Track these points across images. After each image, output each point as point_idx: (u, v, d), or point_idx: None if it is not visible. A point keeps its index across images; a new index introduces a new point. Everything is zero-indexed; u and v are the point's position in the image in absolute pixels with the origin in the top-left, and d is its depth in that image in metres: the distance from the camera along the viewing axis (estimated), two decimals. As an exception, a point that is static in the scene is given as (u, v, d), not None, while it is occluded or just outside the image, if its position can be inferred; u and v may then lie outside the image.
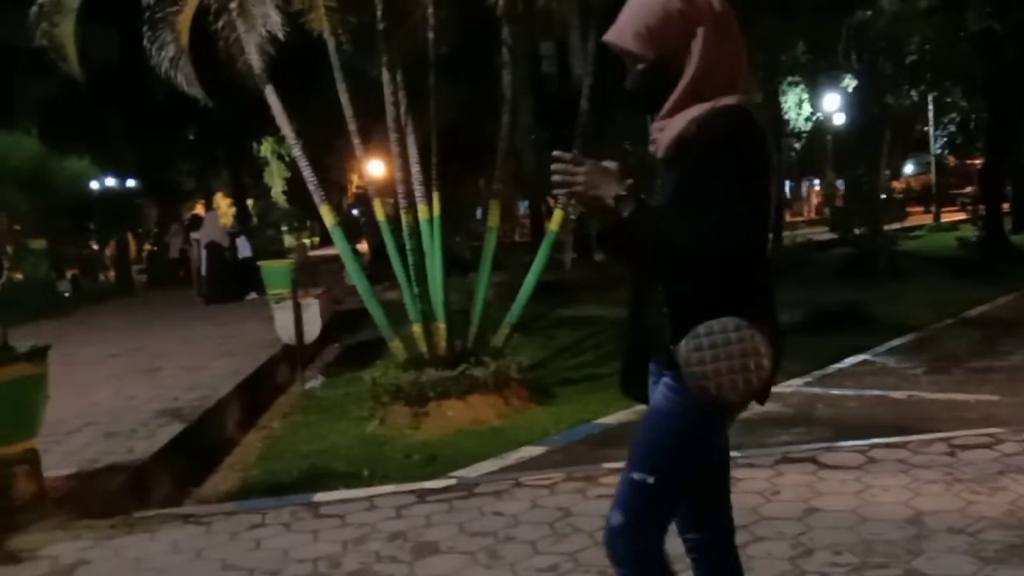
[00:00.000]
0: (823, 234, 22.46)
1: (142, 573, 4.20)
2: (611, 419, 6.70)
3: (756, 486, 4.63)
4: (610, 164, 2.22)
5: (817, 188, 44.17)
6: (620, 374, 2.51)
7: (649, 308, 2.31)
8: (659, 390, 2.32)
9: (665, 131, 2.28)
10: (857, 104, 20.64)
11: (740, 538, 3.90)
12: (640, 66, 2.28)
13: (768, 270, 2.28)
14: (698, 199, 2.12)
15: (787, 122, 26.33)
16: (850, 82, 22.15)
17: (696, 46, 2.21)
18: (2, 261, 5.77)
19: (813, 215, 40.36)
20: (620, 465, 5.12)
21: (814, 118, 28.77)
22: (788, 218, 25.19)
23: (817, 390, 7.28)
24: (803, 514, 4.20)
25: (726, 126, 2.15)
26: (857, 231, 17.26)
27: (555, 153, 2.22)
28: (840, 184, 29.69)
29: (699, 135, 2.17)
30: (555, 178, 2.19)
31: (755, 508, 4.32)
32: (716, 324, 2.16)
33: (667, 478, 2.29)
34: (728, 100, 2.20)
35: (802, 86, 26.00)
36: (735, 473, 4.78)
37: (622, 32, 2.27)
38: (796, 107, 27.70)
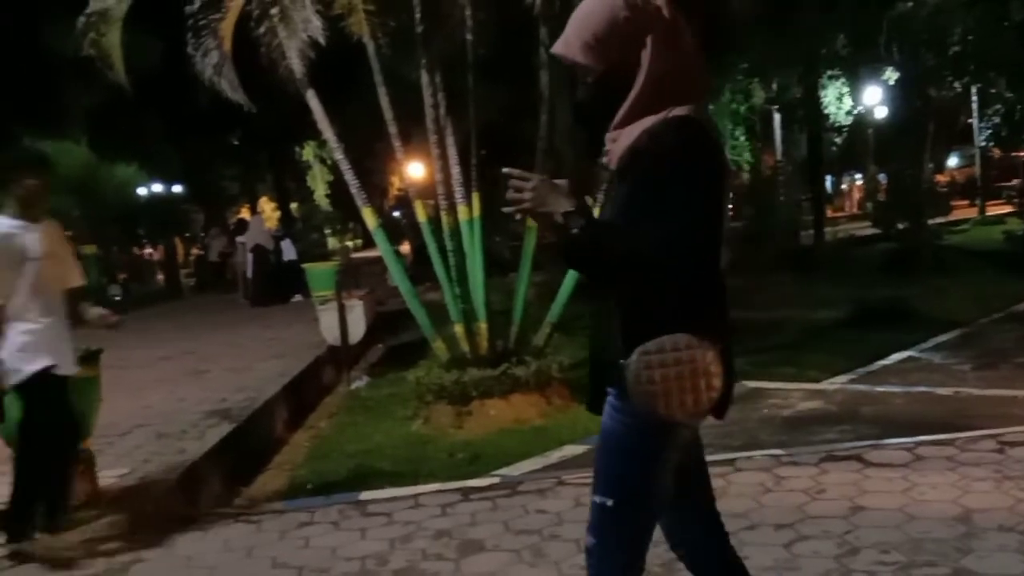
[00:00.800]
0: (865, 229, 22.18)
1: (194, 571, 4.28)
2: (653, 418, 6.69)
3: (801, 484, 4.61)
4: (560, 181, 2.19)
5: (859, 183, 43.60)
6: (588, 391, 2.40)
7: (603, 322, 2.28)
8: (606, 409, 2.27)
9: (617, 142, 2.23)
10: (899, 97, 20.39)
11: (785, 536, 3.93)
12: (590, 78, 2.24)
13: (721, 283, 2.23)
14: (650, 211, 2.08)
15: (827, 116, 26.00)
16: (891, 75, 21.86)
17: (645, 56, 2.16)
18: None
19: (855, 210, 39.86)
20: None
21: (855, 112, 28.39)
22: (829, 214, 24.89)
23: (862, 387, 7.21)
24: (849, 512, 4.17)
25: (676, 137, 2.11)
26: (900, 226, 17.02)
27: (505, 170, 2.19)
28: (882, 178, 29.30)
29: (650, 146, 2.13)
30: (508, 194, 2.17)
31: (800, 507, 4.31)
32: (668, 341, 2.11)
33: (626, 499, 2.25)
34: (679, 111, 2.15)
35: (842, 79, 25.67)
36: (779, 471, 4.81)
37: (570, 43, 2.22)
38: (836, 101, 27.35)
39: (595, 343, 2.35)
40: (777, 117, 26.61)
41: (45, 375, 4.38)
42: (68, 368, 4.53)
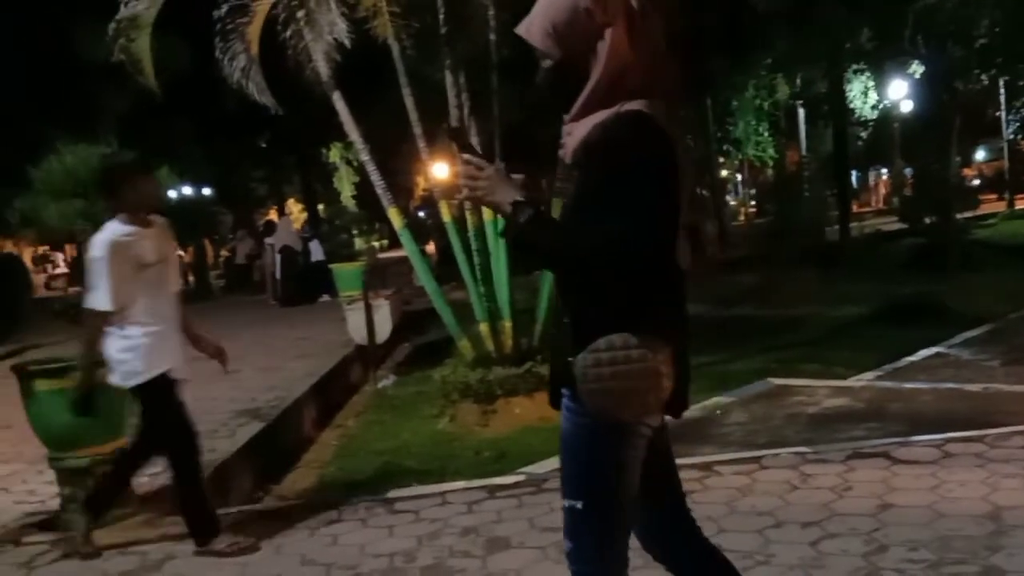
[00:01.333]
0: (892, 224, 22.03)
1: (224, 568, 4.33)
2: (675, 415, 6.69)
3: (827, 482, 4.60)
4: (516, 175, 2.18)
5: (885, 177, 43.24)
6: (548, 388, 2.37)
7: (558, 319, 2.26)
8: (562, 411, 2.25)
9: (572, 135, 2.21)
10: (925, 90, 20.22)
11: (812, 534, 3.93)
12: (547, 63, 2.21)
13: (678, 282, 2.20)
14: (601, 206, 2.05)
15: (853, 111, 25.82)
16: (917, 68, 21.68)
17: (603, 48, 2.13)
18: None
19: (881, 205, 39.54)
20: (690, 460, 5.17)
21: (881, 106, 28.20)
22: (856, 209, 24.71)
23: (889, 384, 7.17)
24: (877, 510, 4.16)
25: (628, 132, 2.08)
26: (927, 220, 16.90)
27: (464, 156, 2.18)
28: (909, 173, 29.07)
29: (601, 141, 2.11)
30: (460, 180, 2.17)
31: (827, 504, 4.30)
32: (618, 339, 2.08)
33: (593, 501, 2.22)
34: (633, 105, 2.11)
35: (868, 74, 25.50)
36: (805, 469, 4.81)
37: (531, 27, 2.20)
38: (862, 95, 27.18)
39: (552, 340, 2.36)
40: (801, 112, 26.49)
41: (163, 379, 4.40)
42: (182, 372, 4.56)
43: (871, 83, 26.96)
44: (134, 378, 4.36)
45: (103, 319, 4.31)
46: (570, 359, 2.13)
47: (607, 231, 2.01)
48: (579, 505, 2.22)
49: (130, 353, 4.34)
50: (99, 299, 4.27)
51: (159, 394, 4.40)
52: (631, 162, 2.06)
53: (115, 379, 4.42)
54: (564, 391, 2.22)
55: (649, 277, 2.08)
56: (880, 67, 24.12)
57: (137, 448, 4.63)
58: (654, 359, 2.08)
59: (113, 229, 4.35)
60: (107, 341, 4.38)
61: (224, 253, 29.88)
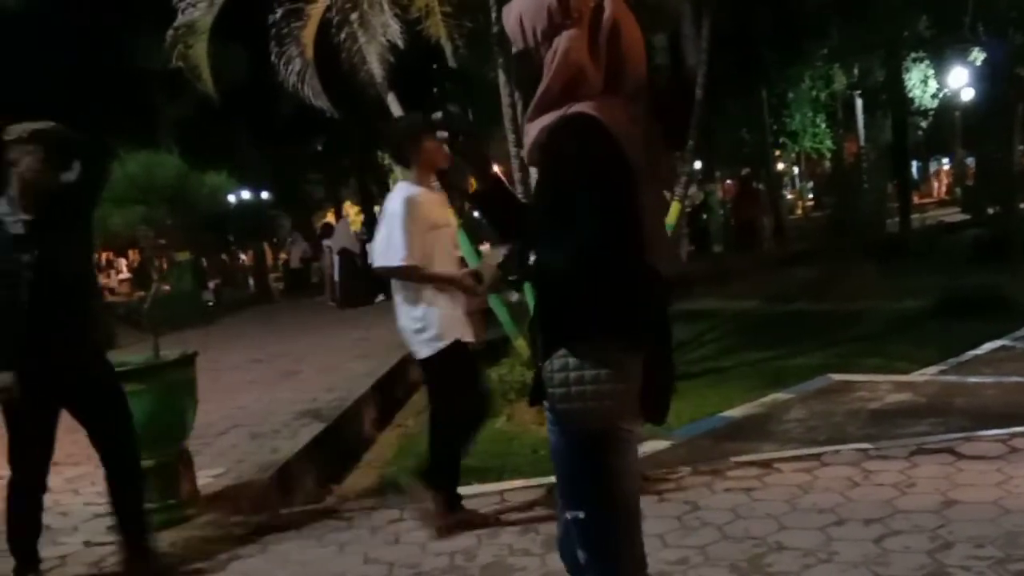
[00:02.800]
0: (954, 215, 21.59)
1: (289, 567, 4.40)
2: (735, 412, 6.64)
3: (890, 479, 4.54)
4: (484, 267, 2.33)
5: (947, 168, 42.34)
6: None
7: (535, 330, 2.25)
8: (547, 424, 2.25)
9: (527, 136, 2.20)
10: (986, 78, 19.77)
11: (875, 532, 3.89)
12: (515, 49, 2.22)
13: (652, 287, 2.16)
14: (557, 215, 2.04)
15: (912, 100, 25.31)
16: (978, 55, 21.20)
17: (559, 48, 2.12)
18: (151, 274, 6.10)
19: (943, 196, 38.73)
20: (746, 458, 5.13)
21: (940, 95, 27.59)
22: (916, 200, 24.23)
23: (952, 378, 7.03)
24: (941, 507, 4.10)
25: (571, 137, 2.07)
26: (990, 211, 16.52)
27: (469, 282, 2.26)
28: (971, 162, 28.43)
29: (548, 145, 2.10)
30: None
31: (890, 501, 4.24)
32: (588, 351, 2.08)
33: (594, 509, 2.20)
34: (580, 107, 2.09)
35: (927, 62, 24.97)
36: (867, 465, 4.75)
37: (508, 12, 2.21)
38: (921, 84, 26.60)
39: (533, 348, 2.35)
40: (859, 103, 26.01)
41: (458, 345, 4.42)
42: (469, 335, 4.53)
43: (930, 71, 26.36)
44: (433, 344, 4.37)
45: (404, 272, 4.33)
46: (543, 369, 2.15)
47: (567, 249, 2.02)
48: (581, 515, 2.20)
49: (424, 322, 4.37)
50: (395, 254, 4.28)
51: (455, 360, 4.40)
52: (575, 167, 2.05)
53: (416, 350, 4.46)
54: (545, 403, 2.21)
55: (617, 285, 2.06)
56: (940, 55, 23.59)
57: (442, 416, 4.59)
58: (619, 367, 2.07)
59: (406, 188, 4.40)
60: (401, 312, 4.45)
61: (283, 256, 30.27)
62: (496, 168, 2.32)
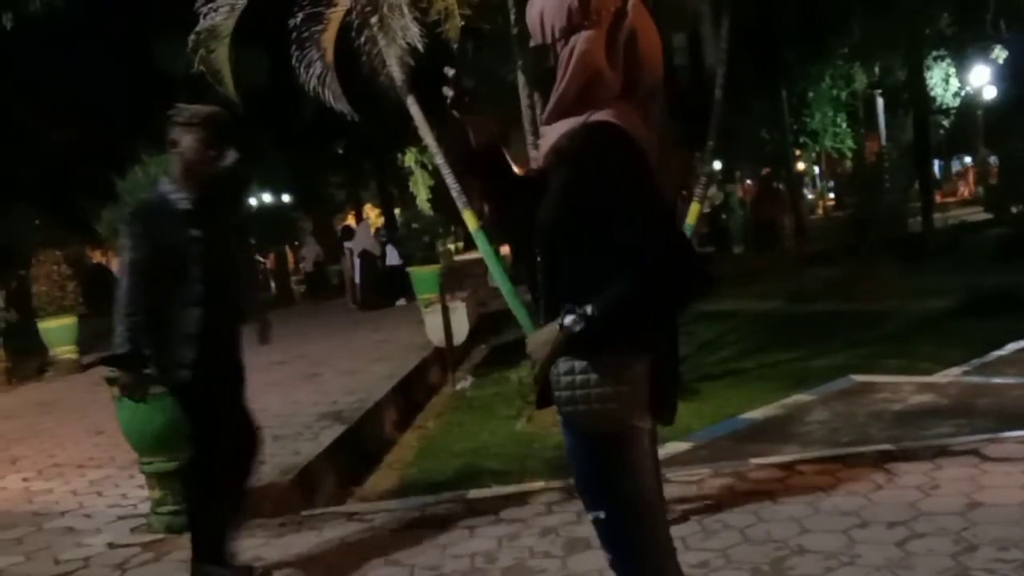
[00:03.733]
0: (977, 214, 21.40)
1: (311, 569, 4.43)
2: (756, 414, 6.60)
3: (914, 480, 4.51)
4: (537, 336, 2.15)
5: (970, 166, 41.99)
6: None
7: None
8: (561, 426, 2.24)
9: (545, 138, 2.18)
10: (1009, 76, 19.63)
11: (898, 534, 3.87)
12: (532, 43, 2.20)
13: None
14: (599, 229, 2.03)
15: (933, 98, 25.13)
16: (1000, 53, 21.03)
17: (576, 50, 2.11)
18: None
19: (966, 195, 38.41)
20: (768, 461, 5.10)
21: (963, 93, 27.40)
22: (939, 199, 24.04)
23: (976, 379, 6.97)
24: (965, 509, 4.07)
25: (598, 149, 2.05)
26: (1014, 210, 16.34)
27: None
28: (994, 161, 28.19)
29: (569, 153, 2.09)
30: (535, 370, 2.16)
31: (913, 503, 4.22)
32: (592, 355, 2.07)
33: (614, 509, 2.19)
34: (600, 115, 2.08)
35: (948, 60, 24.80)
36: (891, 467, 4.72)
37: (531, 5, 2.19)
38: (943, 82, 26.42)
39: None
40: (880, 101, 25.87)
41: None
42: None
43: (952, 69, 26.20)
44: None
45: None
46: (552, 374, 2.14)
47: (636, 266, 1.99)
48: (602, 515, 2.19)
49: None
50: None
51: None
52: (608, 180, 2.02)
53: None
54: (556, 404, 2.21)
55: (669, 293, 2.05)
56: (961, 53, 23.46)
57: None
58: (625, 369, 2.06)
59: None
60: None
61: (301, 259, 30.40)
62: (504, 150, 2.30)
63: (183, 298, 4.00)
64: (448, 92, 2.24)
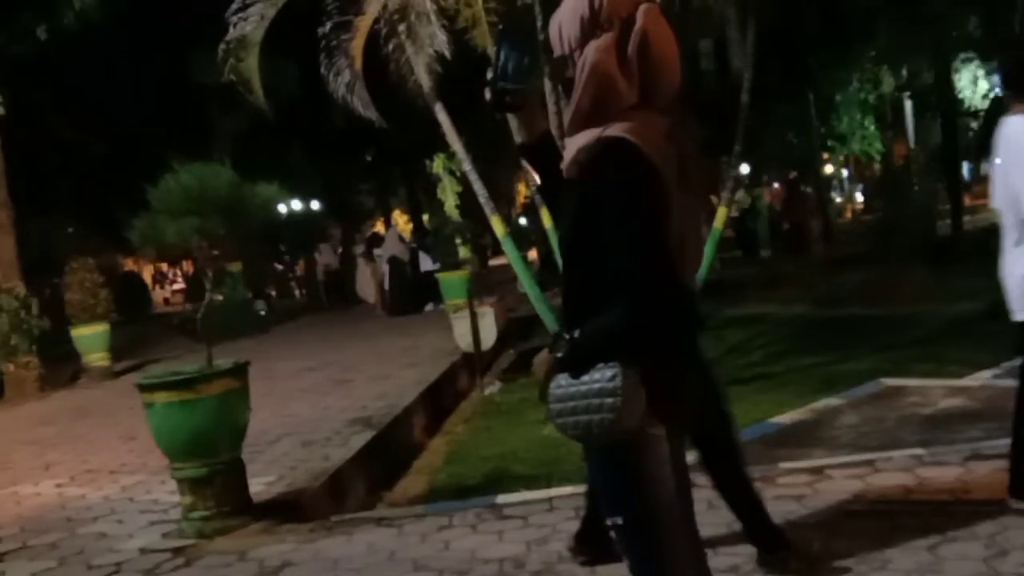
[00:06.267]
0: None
1: (340, 574, 4.45)
2: (785, 418, 6.56)
3: (945, 485, 4.48)
4: (539, 358, 2.20)
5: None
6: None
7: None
8: None
9: (567, 150, 2.18)
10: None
11: (931, 539, 3.83)
12: (555, 55, 2.20)
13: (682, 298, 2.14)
14: (594, 242, 2.04)
15: (962, 101, 24.88)
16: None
17: (587, 60, 2.10)
18: (204, 284, 6.21)
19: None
20: (797, 465, 5.08)
21: (991, 95, 27.11)
22: (968, 201, 23.75)
23: (1008, 382, 6.82)
24: (997, 513, 4.02)
25: (606, 166, 2.05)
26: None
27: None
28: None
29: (586, 169, 2.09)
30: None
31: (944, 507, 4.19)
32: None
33: (632, 515, 2.17)
34: (615, 131, 2.06)
35: (976, 62, 24.55)
36: (921, 472, 4.69)
37: (553, 19, 2.20)
38: (971, 84, 26.16)
39: None
40: (908, 104, 25.65)
41: None
42: None
43: (981, 71, 25.95)
44: None
45: None
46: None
47: (625, 295, 2.00)
48: (620, 521, 2.18)
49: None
50: None
51: None
52: (610, 198, 2.03)
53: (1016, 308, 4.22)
54: None
55: (650, 317, 2.05)
56: (989, 55, 23.21)
57: None
58: (616, 382, 2.03)
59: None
60: (1013, 259, 4.15)
61: (319, 265, 30.51)
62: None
63: None
64: (488, 94, 2.26)
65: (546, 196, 2.53)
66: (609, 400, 2.03)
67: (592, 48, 2.10)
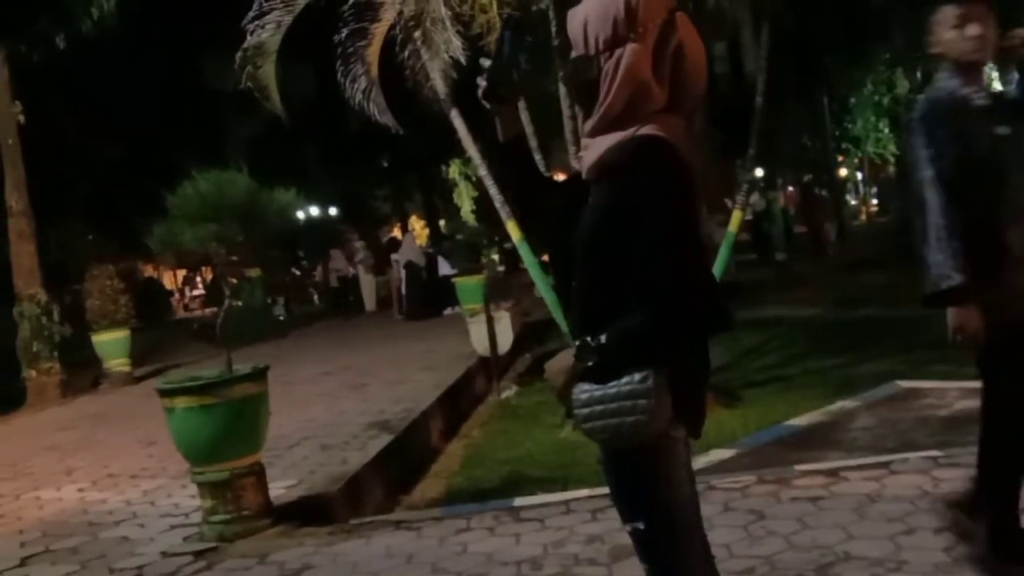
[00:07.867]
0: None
1: (360, 576, 4.50)
2: (801, 421, 6.57)
3: (961, 486, 4.47)
4: (555, 368, 2.17)
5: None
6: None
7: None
8: None
9: (589, 151, 2.16)
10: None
11: (945, 541, 3.83)
12: (574, 53, 2.16)
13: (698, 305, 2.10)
14: (625, 243, 2.02)
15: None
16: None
17: (623, 63, 2.08)
18: (224, 290, 6.27)
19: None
20: (812, 467, 5.08)
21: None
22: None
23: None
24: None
25: (642, 162, 2.03)
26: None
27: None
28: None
29: (617, 168, 2.07)
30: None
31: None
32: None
33: (651, 520, 2.17)
34: (648, 129, 2.06)
35: (990, 63, 24.46)
36: (937, 474, 4.70)
37: (574, 14, 2.16)
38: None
39: None
40: (923, 106, 25.50)
41: None
42: None
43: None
44: None
45: None
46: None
47: (655, 296, 1.99)
48: (640, 525, 2.18)
49: None
50: None
51: None
52: (651, 193, 2.01)
53: None
54: None
55: (681, 320, 2.04)
56: (1004, 56, 23.09)
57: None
58: (644, 383, 2.03)
59: None
60: None
61: (332, 271, 30.59)
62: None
63: (1002, 213, 3.34)
64: (481, 83, 2.24)
65: (518, 202, 2.47)
66: (642, 402, 2.02)
67: (628, 51, 2.08)
